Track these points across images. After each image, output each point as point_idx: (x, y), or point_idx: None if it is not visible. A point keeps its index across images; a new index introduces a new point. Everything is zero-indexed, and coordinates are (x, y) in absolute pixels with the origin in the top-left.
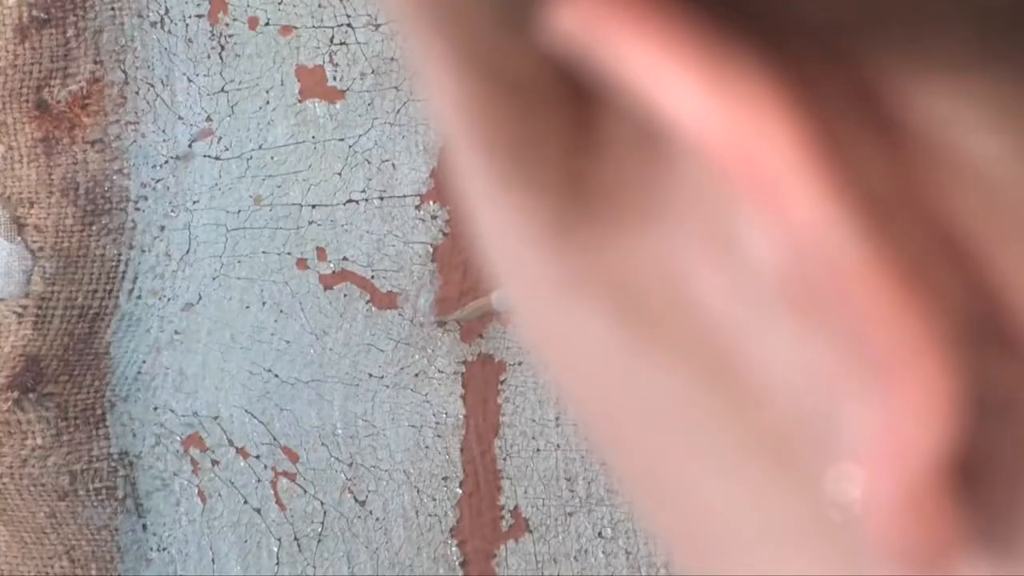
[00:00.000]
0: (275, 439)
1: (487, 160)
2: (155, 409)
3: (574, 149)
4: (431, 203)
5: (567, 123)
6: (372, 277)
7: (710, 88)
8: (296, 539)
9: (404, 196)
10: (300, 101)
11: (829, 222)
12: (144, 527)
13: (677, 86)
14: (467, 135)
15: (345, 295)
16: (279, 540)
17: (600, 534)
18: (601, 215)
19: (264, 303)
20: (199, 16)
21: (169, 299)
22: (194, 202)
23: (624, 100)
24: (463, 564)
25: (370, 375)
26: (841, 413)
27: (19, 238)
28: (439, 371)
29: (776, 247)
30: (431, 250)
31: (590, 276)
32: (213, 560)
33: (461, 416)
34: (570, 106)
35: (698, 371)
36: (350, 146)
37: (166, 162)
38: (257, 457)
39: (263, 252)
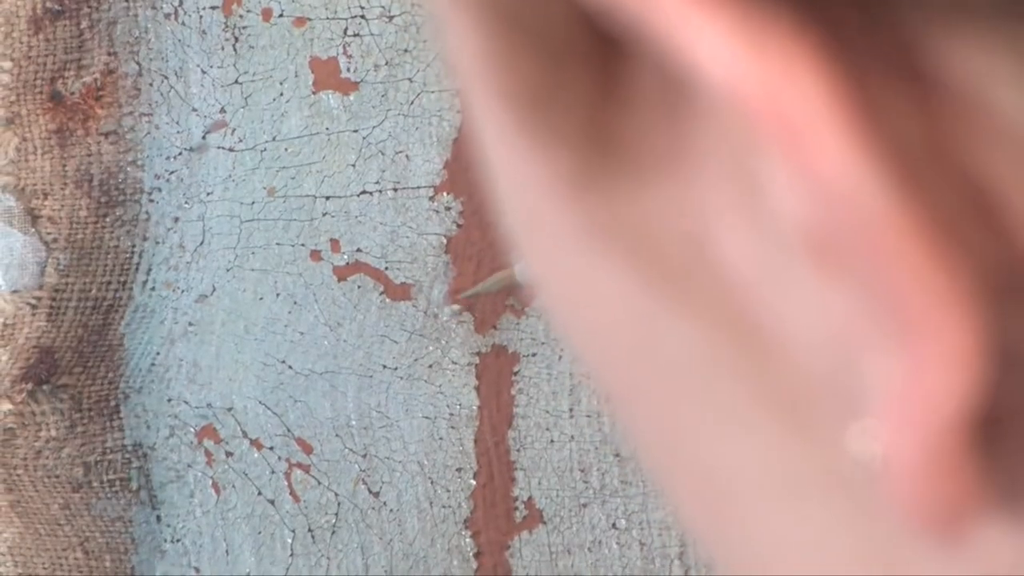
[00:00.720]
0: (289, 430)
1: (509, 112)
2: (169, 401)
3: (598, 100)
4: (445, 194)
5: (592, 74)
6: (386, 268)
7: (741, 34)
8: (310, 530)
9: (418, 187)
10: (314, 93)
11: (858, 172)
12: (158, 518)
13: (707, 32)
14: (489, 86)
15: (359, 286)
16: (293, 531)
17: (614, 525)
18: (624, 168)
19: (278, 295)
20: (213, 8)
21: (183, 291)
22: (208, 194)
23: (652, 48)
24: (477, 555)
25: (384, 366)
26: (865, 367)
27: (33, 230)
28: (453, 362)
29: (803, 198)
30: (445, 241)
31: (612, 229)
32: (227, 551)
33: (475, 407)
34: (595, 56)
35: (718, 325)
36: (364, 138)
37: (180, 154)
38: (271, 448)
39: (277, 244)
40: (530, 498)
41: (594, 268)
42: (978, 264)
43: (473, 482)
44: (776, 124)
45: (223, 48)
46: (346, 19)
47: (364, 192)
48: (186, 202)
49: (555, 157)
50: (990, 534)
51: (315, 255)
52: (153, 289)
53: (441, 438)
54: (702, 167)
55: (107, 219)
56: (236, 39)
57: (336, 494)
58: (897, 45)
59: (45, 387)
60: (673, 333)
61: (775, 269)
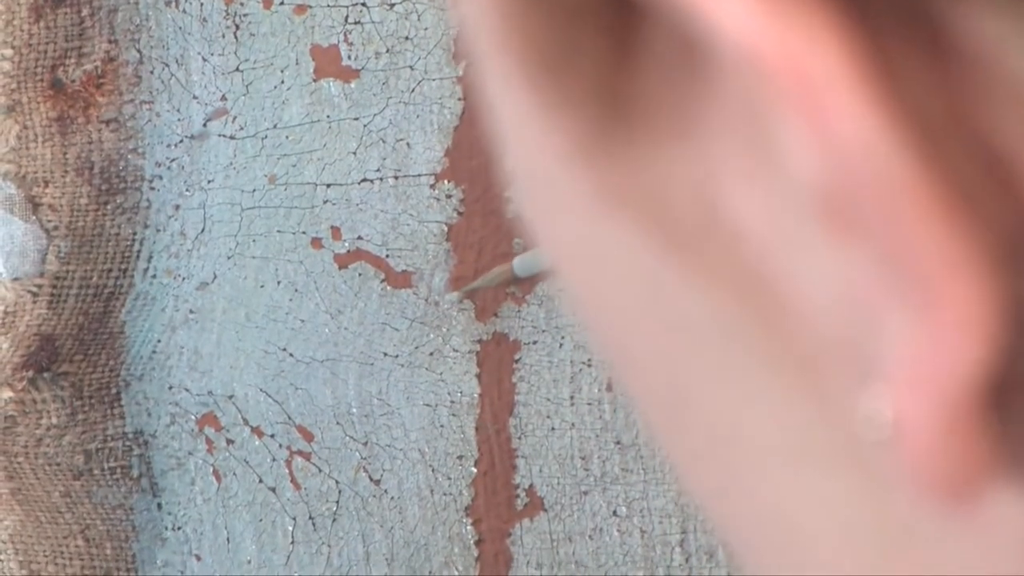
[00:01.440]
0: (290, 418)
1: (522, 75)
2: (170, 388)
3: (613, 64)
4: (446, 182)
5: (606, 36)
6: (387, 256)
7: None
8: (311, 518)
9: (419, 175)
10: (315, 80)
11: (875, 135)
12: (159, 506)
13: None
14: (502, 49)
15: (360, 274)
16: (294, 519)
17: (615, 513)
18: (638, 131)
19: (279, 282)
20: None
21: (184, 278)
22: (209, 181)
23: (667, 9)
24: (478, 543)
25: (385, 354)
26: (878, 332)
27: (34, 217)
28: (454, 350)
29: (818, 160)
30: (446, 229)
31: (625, 193)
32: (228, 539)
33: (476, 395)
34: (610, 19)
35: (731, 289)
36: (365, 125)
37: (181, 141)
38: (272, 436)
39: (278, 231)
40: (531, 486)
41: (606, 233)
42: (993, 229)
43: (474, 470)
44: (794, 84)
45: (224, 36)
46: (347, 7)
47: (365, 180)
48: (187, 190)
49: (569, 121)
50: (1001, 501)
51: (316, 243)
52: (154, 277)
53: (442, 426)
54: (716, 130)
55: (108, 207)
56: (237, 27)
57: (337, 482)
58: (915, 11)
59: (46, 375)
60: (685, 297)
61: (789, 232)
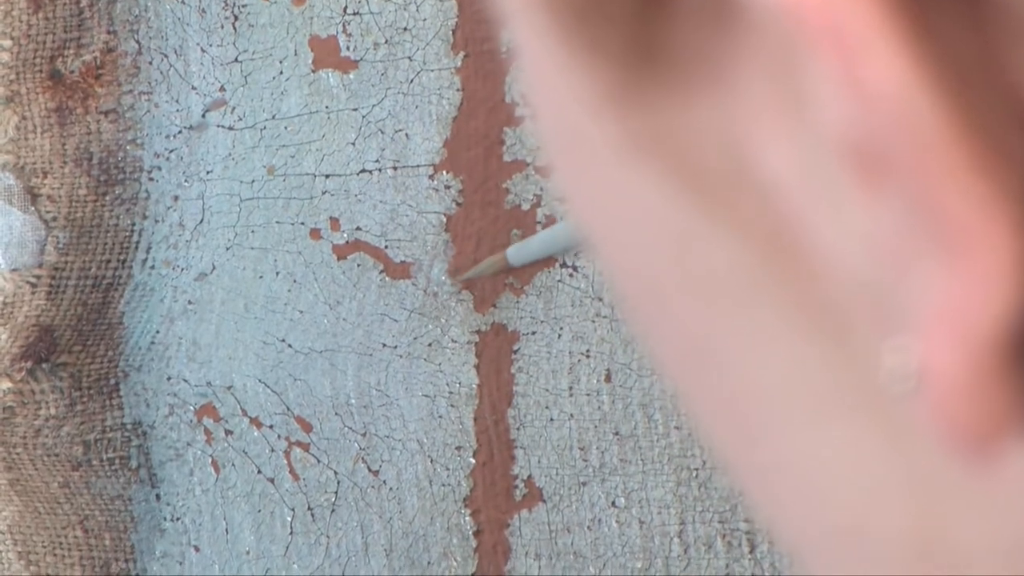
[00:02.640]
0: (288, 409)
1: (553, 24)
2: (168, 379)
3: (644, 13)
4: (444, 173)
5: None
6: (385, 247)
7: None
8: (310, 508)
9: (417, 166)
10: (313, 71)
11: (907, 85)
12: (158, 497)
13: None
14: (534, 0)
15: (359, 265)
16: (292, 510)
17: (614, 503)
18: (668, 80)
19: (278, 273)
20: None
21: (183, 269)
22: (208, 172)
23: None
24: (476, 533)
25: (384, 345)
26: (905, 283)
27: (33, 208)
28: (453, 341)
29: (848, 108)
30: (444, 220)
31: (653, 141)
32: (226, 530)
33: (474, 386)
34: None
35: (757, 239)
36: (363, 116)
37: (179, 132)
38: (271, 427)
39: (277, 222)
40: (529, 476)
41: (633, 182)
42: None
43: (472, 460)
44: (825, 33)
45: (222, 27)
46: None
47: (364, 171)
48: (186, 181)
49: (598, 70)
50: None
51: (315, 234)
52: (152, 268)
53: (441, 416)
54: (746, 79)
55: (107, 198)
56: (236, 18)
57: (336, 472)
58: None
59: (44, 365)
60: (711, 246)
61: (818, 182)
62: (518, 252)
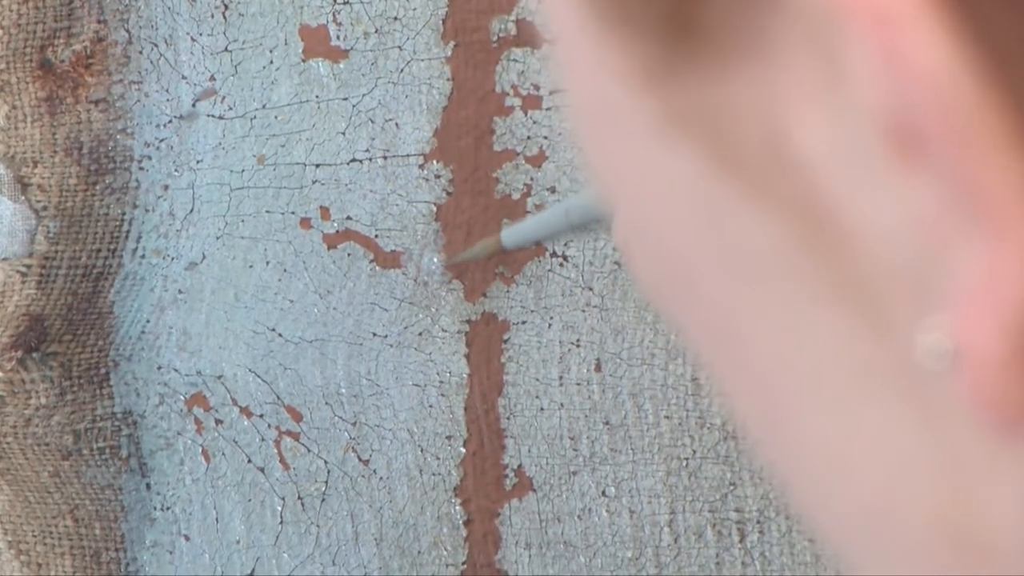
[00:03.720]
0: (279, 398)
1: (590, 2)
2: (159, 368)
3: None
4: (434, 162)
5: None
6: (376, 236)
7: None
8: (300, 498)
9: (408, 155)
10: (303, 61)
11: (947, 62)
12: (148, 486)
13: None
14: None
15: (349, 254)
16: (283, 499)
17: (604, 493)
18: (705, 57)
19: (268, 262)
20: None
21: (173, 258)
22: (198, 161)
23: None
24: (467, 523)
25: (374, 334)
26: (941, 262)
27: (23, 197)
28: (443, 330)
29: (887, 86)
30: (435, 209)
31: (689, 118)
32: (217, 519)
33: (465, 375)
34: None
35: (792, 216)
36: (354, 105)
37: (170, 121)
38: (261, 416)
39: (267, 211)
40: (520, 466)
41: (668, 160)
42: None
43: (463, 450)
44: (865, 8)
45: (213, 16)
46: None
47: (354, 160)
48: (176, 170)
49: (635, 46)
50: None
51: (305, 223)
52: (143, 257)
53: (431, 406)
54: (784, 55)
55: (97, 187)
56: (226, 7)
57: (326, 462)
58: None
59: (35, 355)
60: (746, 225)
61: (855, 159)
62: (512, 235)
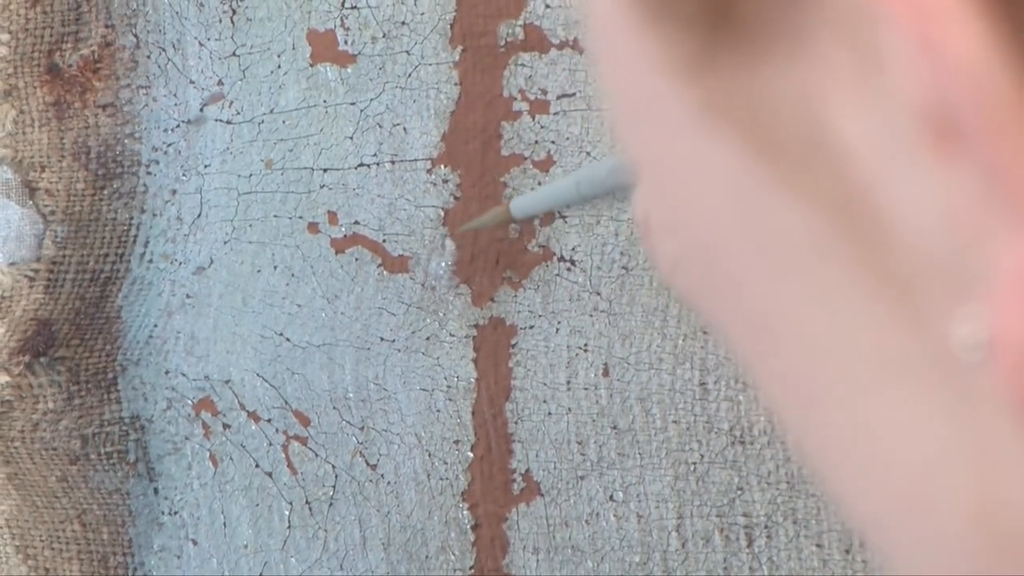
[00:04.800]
0: (286, 403)
1: None
2: (166, 373)
3: None
4: (442, 167)
5: None
6: (383, 241)
7: None
8: (307, 502)
9: (415, 160)
10: (311, 65)
11: (984, 54)
12: (156, 491)
13: None
14: None
15: (356, 259)
16: (290, 503)
17: (611, 497)
18: (744, 47)
19: (275, 267)
20: None
21: (180, 263)
22: (205, 166)
23: None
24: (474, 527)
25: (381, 339)
26: (978, 253)
27: (31, 202)
28: (450, 335)
29: (925, 78)
30: (442, 214)
31: (728, 108)
32: (224, 524)
33: (472, 380)
34: None
35: (830, 205)
36: (361, 110)
37: (177, 126)
38: (268, 421)
39: (274, 216)
40: (527, 470)
41: (706, 146)
42: None
43: (470, 454)
44: (903, 3)
45: (220, 20)
46: None
47: (362, 164)
48: (184, 174)
49: (675, 37)
50: None
51: (313, 227)
52: (151, 261)
53: (438, 410)
54: (821, 45)
55: (105, 192)
56: (234, 11)
57: (333, 466)
58: None
59: (43, 359)
60: (782, 213)
61: (892, 149)
62: (521, 204)
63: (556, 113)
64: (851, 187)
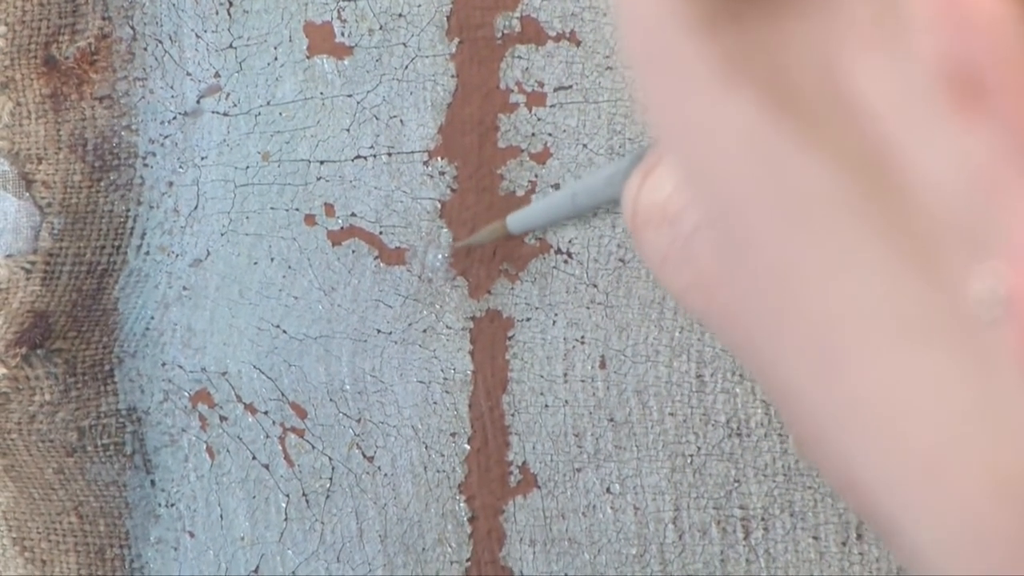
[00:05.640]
0: (283, 395)
1: None
2: (163, 365)
3: None
4: (439, 159)
5: None
6: (380, 233)
7: None
8: (304, 495)
9: (412, 152)
10: (308, 57)
11: (1005, 12)
12: (152, 483)
13: None
14: None
15: (353, 251)
16: (287, 496)
17: (608, 490)
18: (764, 3)
19: (272, 259)
20: None
21: (177, 255)
22: (202, 158)
23: None
24: (471, 519)
25: (378, 331)
26: (996, 211)
27: (27, 194)
28: (447, 327)
29: (946, 36)
30: (439, 206)
31: (750, 62)
32: (221, 516)
33: (469, 372)
34: None
35: (848, 163)
36: (358, 102)
37: (174, 118)
38: (265, 413)
39: (271, 208)
40: (524, 463)
41: (727, 103)
42: None
43: (467, 447)
44: None
45: (217, 12)
46: None
47: (358, 157)
48: (180, 167)
49: None
50: None
51: (309, 219)
52: (147, 253)
53: (435, 403)
54: (844, 4)
55: (101, 184)
56: (230, 3)
57: (330, 459)
58: None
59: (39, 351)
60: (801, 170)
61: (913, 107)
62: (518, 220)
63: (553, 105)
64: (871, 144)
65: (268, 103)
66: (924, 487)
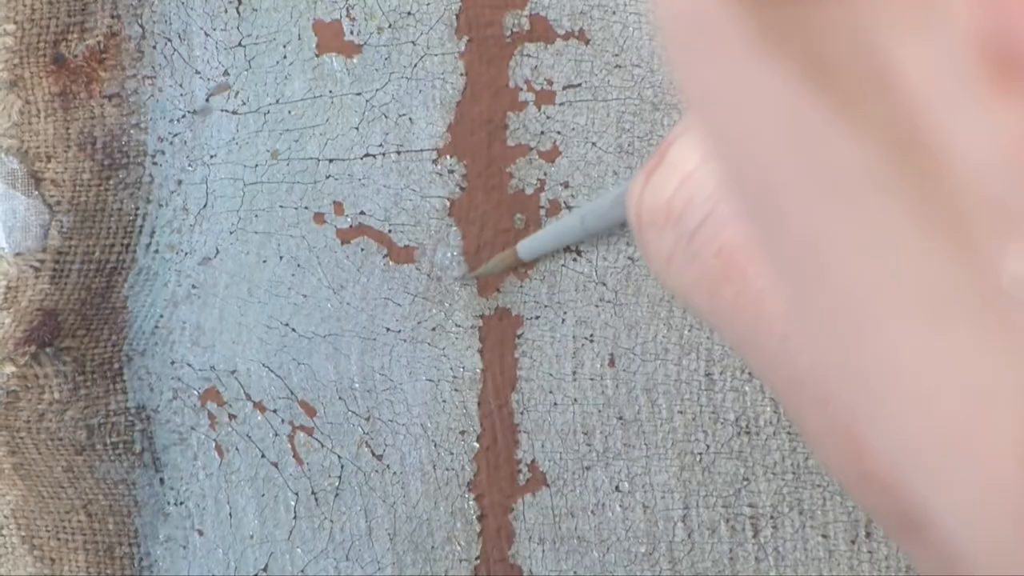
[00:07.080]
0: (292, 393)
1: None
2: (172, 363)
3: None
4: (448, 157)
5: None
6: (389, 231)
7: None
8: (313, 493)
9: (421, 150)
10: (317, 55)
11: None
12: (161, 481)
13: None
14: None
15: (362, 249)
16: (296, 494)
17: (617, 488)
18: None
19: (281, 257)
20: None
21: (186, 253)
22: (211, 156)
23: None
24: (480, 518)
25: (387, 329)
26: None
27: (36, 192)
28: (456, 325)
29: (985, 12)
30: (448, 204)
31: (785, 33)
32: (230, 514)
33: (478, 370)
34: None
35: (882, 141)
36: (367, 100)
37: (183, 116)
38: (274, 411)
39: (280, 206)
40: (533, 461)
41: (760, 75)
42: None
43: (476, 445)
44: None
45: (226, 11)
46: None
47: (367, 155)
48: (189, 165)
49: None
50: None
51: (318, 218)
52: (156, 252)
53: (444, 401)
54: None
55: (110, 182)
56: (239, 2)
57: (339, 457)
58: None
59: (48, 350)
60: (834, 144)
61: (950, 84)
62: (528, 246)
63: (562, 103)
64: (907, 119)
65: (277, 101)
66: (949, 454)
